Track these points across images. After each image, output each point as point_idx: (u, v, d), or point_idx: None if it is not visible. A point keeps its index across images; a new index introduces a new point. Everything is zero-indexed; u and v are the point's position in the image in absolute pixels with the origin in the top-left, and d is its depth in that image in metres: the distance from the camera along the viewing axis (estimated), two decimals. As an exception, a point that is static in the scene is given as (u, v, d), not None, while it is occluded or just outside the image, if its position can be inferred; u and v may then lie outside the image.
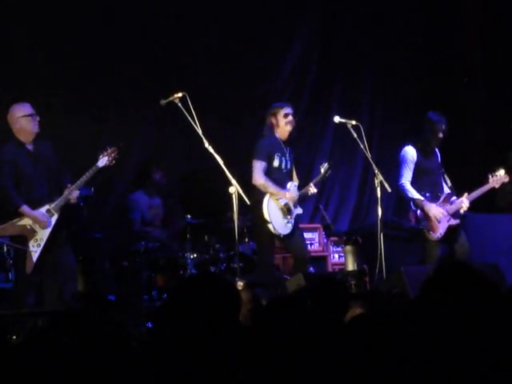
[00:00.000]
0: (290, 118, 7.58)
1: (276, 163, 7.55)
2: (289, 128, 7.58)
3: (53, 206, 6.95)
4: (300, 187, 7.73)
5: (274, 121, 7.57)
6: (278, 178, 7.55)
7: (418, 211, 7.70)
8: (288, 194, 7.52)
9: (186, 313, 2.72)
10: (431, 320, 2.71)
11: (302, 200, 7.79)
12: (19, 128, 7.02)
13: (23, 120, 7.01)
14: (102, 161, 7.05)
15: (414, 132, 7.99)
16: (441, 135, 7.80)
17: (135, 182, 9.21)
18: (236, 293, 2.88)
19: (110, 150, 7.11)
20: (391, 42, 10.77)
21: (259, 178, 7.42)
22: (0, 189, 6.93)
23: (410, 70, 10.87)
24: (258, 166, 7.45)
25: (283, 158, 7.59)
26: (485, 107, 10.71)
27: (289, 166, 7.66)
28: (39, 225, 6.89)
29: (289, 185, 7.61)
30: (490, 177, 7.83)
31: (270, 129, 7.58)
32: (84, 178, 6.99)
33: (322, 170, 7.83)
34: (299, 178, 7.91)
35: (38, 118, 7.04)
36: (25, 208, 6.90)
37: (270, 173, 7.50)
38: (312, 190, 7.70)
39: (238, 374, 2.60)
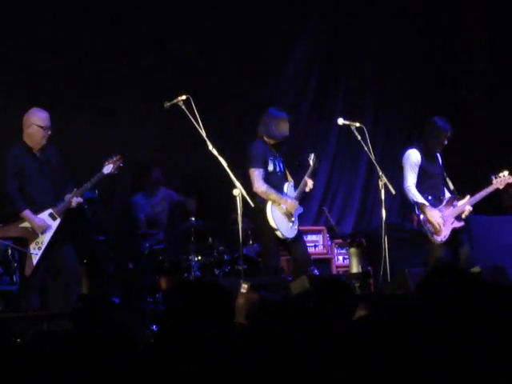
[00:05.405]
0: (288, 124, 7.61)
1: (271, 167, 7.54)
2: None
3: (56, 210, 6.99)
4: (296, 186, 7.72)
5: (274, 125, 7.56)
6: (275, 182, 7.53)
7: (421, 216, 7.68)
8: (289, 203, 7.48)
9: (182, 318, 2.73)
10: (428, 322, 2.72)
11: (302, 196, 7.77)
12: (30, 133, 7.01)
13: (35, 128, 6.98)
14: (107, 168, 7.15)
15: (418, 135, 7.98)
16: (446, 142, 7.78)
17: (135, 184, 9.26)
18: (228, 297, 2.87)
19: (115, 158, 7.20)
20: (395, 43, 10.76)
21: (260, 186, 7.40)
22: (4, 190, 6.95)
23: (413, 72, 10.85)
24: (257, 174, 7.42)
25: (276, 162, 7.59)
26: (487, 110, 10.69)
27: (282, 168, 7.66)
28: (37, 230, 6.91)
29: (285, 186, 7.60)
30: (494, 178, 7.80)
31: (274, 131, 7.55)
32: (89, 185, 7.09)
33: (311, 162, 7.79)
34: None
35: (49, 133, 7.01)
36: (27, 213, 6.92)
37: (266, 178, 7.48)
38: (309, 183, 7.68)
39: (240, 377, 2.61)
